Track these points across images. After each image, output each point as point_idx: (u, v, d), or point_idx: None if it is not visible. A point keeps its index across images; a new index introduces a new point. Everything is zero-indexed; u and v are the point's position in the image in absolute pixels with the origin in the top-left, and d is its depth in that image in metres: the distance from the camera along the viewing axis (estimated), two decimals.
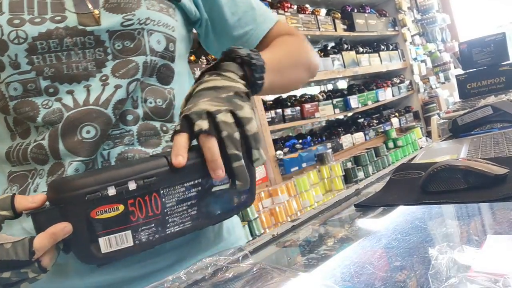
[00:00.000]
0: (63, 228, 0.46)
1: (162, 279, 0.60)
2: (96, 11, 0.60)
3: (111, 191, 0.47)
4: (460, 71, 3.25)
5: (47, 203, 0.49)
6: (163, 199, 0.51)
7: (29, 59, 0.57)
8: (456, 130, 1.24)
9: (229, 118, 0.51)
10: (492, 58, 1.90)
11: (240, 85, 0.56)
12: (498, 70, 1.84)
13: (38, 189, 0.59)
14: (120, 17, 0.60)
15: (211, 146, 0.50)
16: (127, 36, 0.61)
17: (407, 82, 4.66)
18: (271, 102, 3.14)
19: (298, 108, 3.08)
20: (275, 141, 2.94)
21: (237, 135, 0.51)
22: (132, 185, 0.48)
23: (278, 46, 0.76)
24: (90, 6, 0.60)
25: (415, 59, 4.89)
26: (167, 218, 0.51)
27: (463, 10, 6.10)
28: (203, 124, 0.50)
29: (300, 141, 3.12)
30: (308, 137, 3.24)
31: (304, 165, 2.94)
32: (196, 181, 0.53)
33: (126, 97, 0.60)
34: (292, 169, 2.84)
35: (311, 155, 3.01)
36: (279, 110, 2.91)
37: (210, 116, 0.51)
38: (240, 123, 0.52)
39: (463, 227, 0.54)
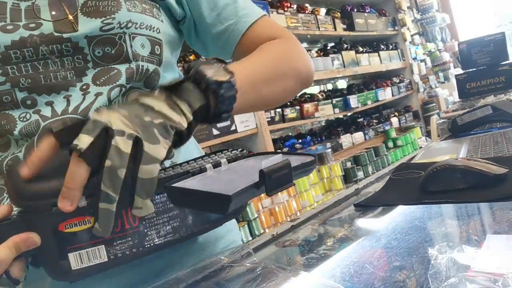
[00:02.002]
0: (26, 239, 0.42)
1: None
2: (71, 16, 0.56)
3: (82, 202, 0.42)
4: (459, 70, 3.25)
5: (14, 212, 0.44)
6: None
7: (3, 69, 0.53)
8: (456, 129, 1.24)
9: (126, 147, 0.41)
10: (491, 58, 1.91)
11: (182, 121, 0.45)
12: (498, 69, 1.84)
13: None
14: (99, 21, 0.56)
15: (75, 172, 0.41)
16: (107, 41, 0.57)
17: (406, 82, 4.66)
18: None
19: (297, 107, 3.07)
20: (274, 141, 2.93)
21: (121, 172, 0.40)
22: None
23: (259, 53, 0.65)
24: (67, 11, 0.56)
25: (414, 58, 4.89)
26: (146, 231, 0.47)
27: (463, 9, 6.10)
28: (83, 142, 0.40)
29: (300, 141, 3.12)
30: (308, 136, 3.23)
31: None
32: None
33: (107, 104, 0.57)
34: None
35: None
36: (279, 110, 2.91)
37: (107, 134, 0.41)
38: (138, 158, 0.41)
39: (462, 227, 0.54)
